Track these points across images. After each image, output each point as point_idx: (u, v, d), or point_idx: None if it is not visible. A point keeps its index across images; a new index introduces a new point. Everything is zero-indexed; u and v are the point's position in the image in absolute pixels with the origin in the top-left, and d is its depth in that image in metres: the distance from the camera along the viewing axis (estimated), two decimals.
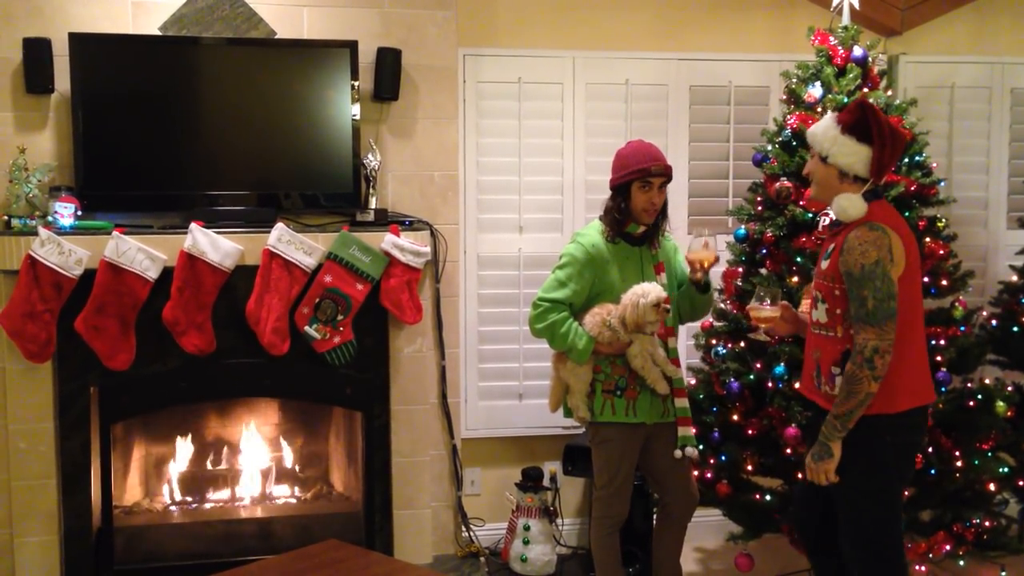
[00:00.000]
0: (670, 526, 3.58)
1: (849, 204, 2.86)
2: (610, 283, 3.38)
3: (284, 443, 4.41)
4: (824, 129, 2.92)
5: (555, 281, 3.41)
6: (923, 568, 3.83)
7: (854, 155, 2.86)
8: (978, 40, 4.79)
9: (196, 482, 4.31)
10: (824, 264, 2.94)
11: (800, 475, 3.67)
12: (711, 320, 4.10)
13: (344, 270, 3.89)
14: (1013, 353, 4.30)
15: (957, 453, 3.74)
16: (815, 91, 3.80)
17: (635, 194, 3.36)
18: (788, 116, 3.89)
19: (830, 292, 2.90)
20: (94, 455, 3.87)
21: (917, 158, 3.84)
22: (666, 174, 3.38)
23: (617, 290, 3.36)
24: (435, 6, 4.17)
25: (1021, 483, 4.04)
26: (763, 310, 3.13)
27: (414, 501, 4.15)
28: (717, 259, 3.39)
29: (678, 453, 3.44)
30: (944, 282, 3.82)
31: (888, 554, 2.94)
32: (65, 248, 3.62)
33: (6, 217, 3.75)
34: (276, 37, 4.00)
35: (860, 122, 2.86)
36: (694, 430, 3.50)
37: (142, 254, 3.68)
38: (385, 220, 4.02)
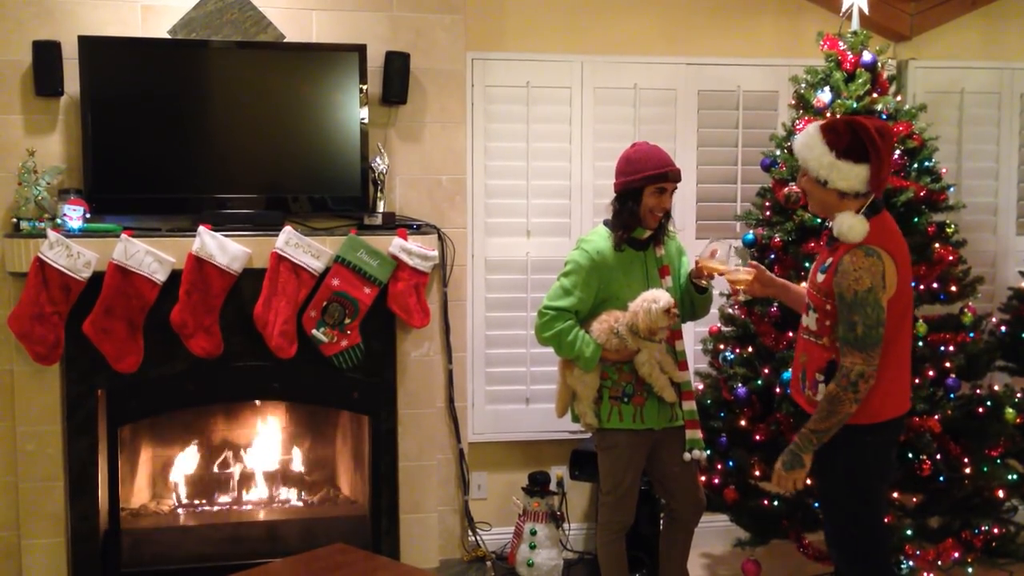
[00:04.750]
0: (677, 532, 3.57)
1: (851, 226, 2.79)
2: (616, 289, 3.37)
3: (291, 446, 4.41)
4: (817, 155, 2.82)
5: (560, 289, 3.40)
6: (931, 575, 3.81)
7: (853, 177, 2.79)
8: (988, 45, 4.78)
9: (203, 485, 4.31)
10: (820, 277, 2.90)
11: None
12: (719, 325, 4.10)
13: (352, 274, 3.89)
14: (1022, 359, 4.28)
15: (966, 460, 3.73)
16: (824, 96, 3.80)
17: (647, 198, 3.34)
18: (797, 121, 3.89)
19: (822, 305, 2.89)
20: (101, 457, 3.88)
21: (926, 164, 3.84)
22: (679, 180, 3.39)
23: (623, 296, 3.34)
24: (444, 10, 4.17)
25: None
26: (738, 272, 3.17)
27: (421, 505, 4.14)
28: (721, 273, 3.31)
29: (687, 456, 3.43)
30: (953, 288, 3.82)
31: (873, 556, 2.93)
32: (74, 251, 3.63)
33: (15, 220, 3.76)
34: (285, 41, 4.01)
35: (853, 144, 2.78)
36: (702, 434, 3.48)
37: (150, 257, 3.69)
38: (393, 224, 4.02)
